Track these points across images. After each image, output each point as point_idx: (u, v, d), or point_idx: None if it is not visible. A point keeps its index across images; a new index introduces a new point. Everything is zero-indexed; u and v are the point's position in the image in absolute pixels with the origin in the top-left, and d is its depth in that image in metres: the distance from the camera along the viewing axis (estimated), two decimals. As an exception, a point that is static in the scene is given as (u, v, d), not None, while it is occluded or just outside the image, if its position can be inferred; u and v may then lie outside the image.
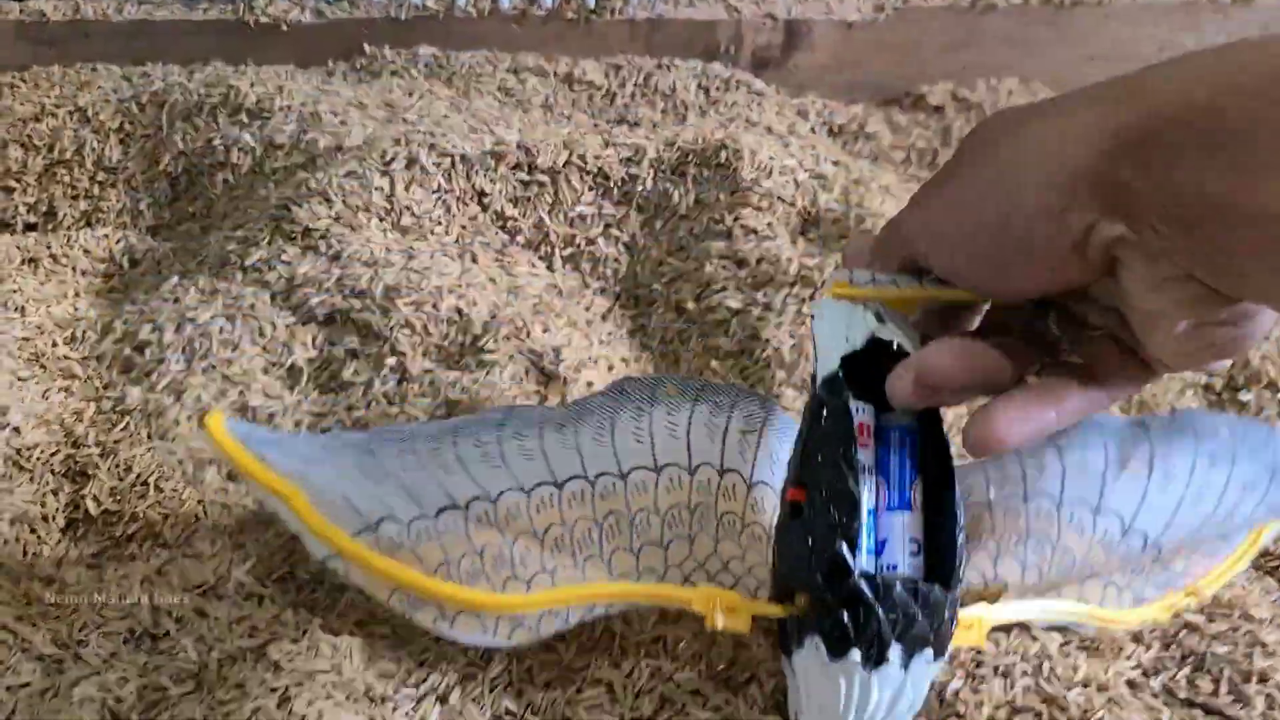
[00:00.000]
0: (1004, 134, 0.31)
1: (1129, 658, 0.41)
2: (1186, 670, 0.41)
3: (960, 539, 0.35)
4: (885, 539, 0.36)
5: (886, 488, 0.36)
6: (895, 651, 0.34)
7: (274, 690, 0.37)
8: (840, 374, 0.36)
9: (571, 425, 0.43)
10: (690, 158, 0.62)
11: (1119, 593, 0.43)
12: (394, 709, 0.38)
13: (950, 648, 0.35)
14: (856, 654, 0.34)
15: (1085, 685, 0.39)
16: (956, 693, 0.39)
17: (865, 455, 0.36)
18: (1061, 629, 0.42)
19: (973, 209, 0.31)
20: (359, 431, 0.45)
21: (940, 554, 0.35)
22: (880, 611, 0.33)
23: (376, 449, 0.42)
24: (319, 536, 0.39)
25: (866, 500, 0.35)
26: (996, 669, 0.39)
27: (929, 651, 0.34)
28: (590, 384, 0.52)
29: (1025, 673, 0.39)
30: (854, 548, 0.34)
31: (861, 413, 0.37)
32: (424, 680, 0.39)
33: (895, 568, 0.35)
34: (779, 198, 0.60)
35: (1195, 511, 0.43)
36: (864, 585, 0.33)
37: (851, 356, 0.36)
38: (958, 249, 0.32)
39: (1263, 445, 0.46)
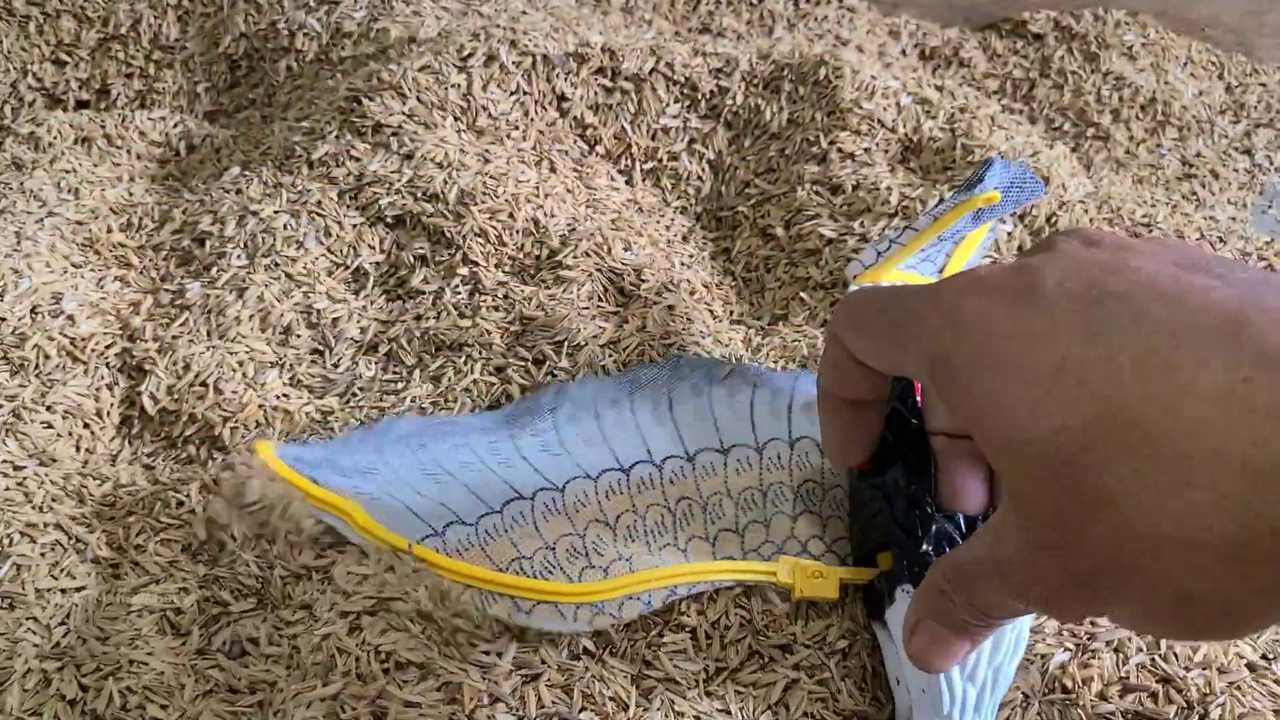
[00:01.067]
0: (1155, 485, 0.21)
1: (1247, 639, 0.38)
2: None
3: None
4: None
5: None
6: None
7: (345, 615, 0.35)
8: None
9: (626, 400, 0.43)
10: (786, 73, 0.58)
11: None
12: (469, 646, 0.36)
13: None
14: None
15: (1204, 667, 0.36)
16: (1063, 666, 0.36)
17: None
18: None
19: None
20: (409, 421, 0.44)
21: None
22: None
23: (430, 443, 0.42)
24: (384, 545, 0.37)
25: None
26: (1109, 643, 0.37)
27: None
28: (671, 308, 0.49)
29: (1140, 649, 0.37)
30: (929, 489, 0.34)
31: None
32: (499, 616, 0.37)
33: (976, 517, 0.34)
34: (879, 122, 0.56)
35: None
36: (946, 523, 0.33)
37: None
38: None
39: None
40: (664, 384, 0.43)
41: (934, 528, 0.34)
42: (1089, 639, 0.37)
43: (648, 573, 0.37)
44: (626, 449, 0.41)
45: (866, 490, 0.37)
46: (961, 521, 0.34)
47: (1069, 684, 0.36)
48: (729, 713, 0.35)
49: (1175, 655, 0.37)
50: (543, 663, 0.36)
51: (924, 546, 0.34)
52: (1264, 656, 0.38)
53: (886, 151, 0.56)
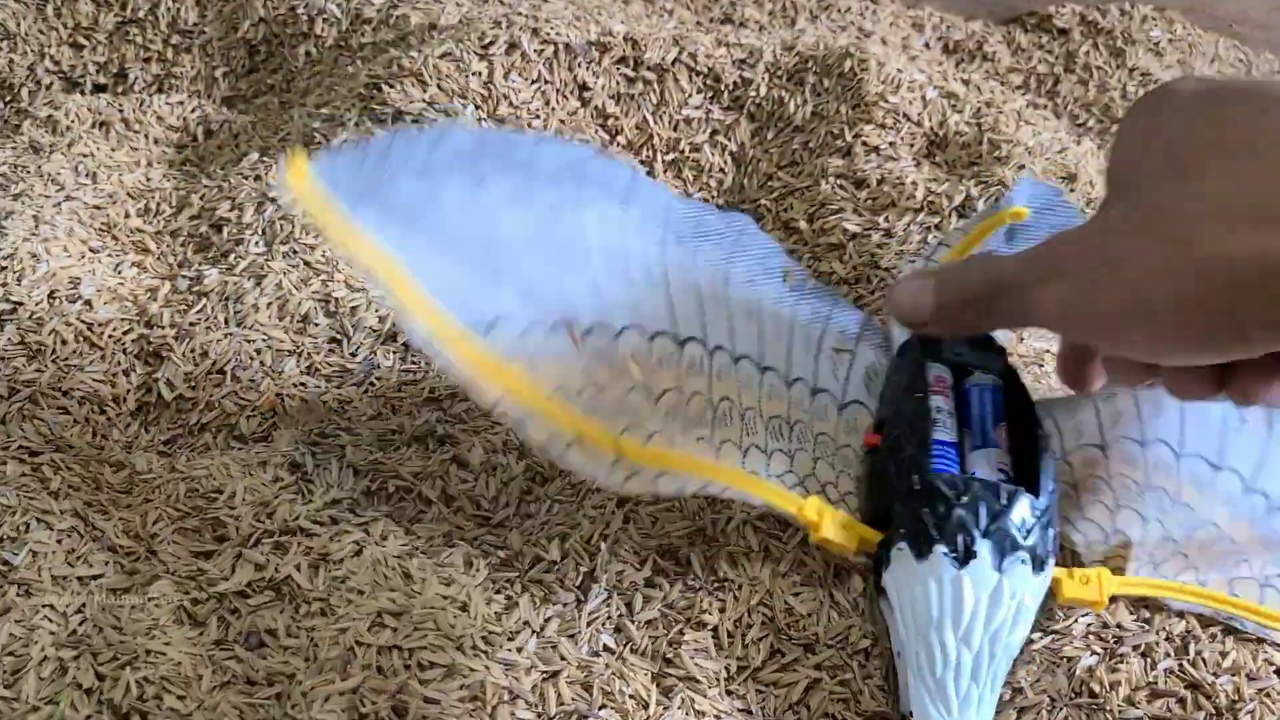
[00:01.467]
0: (1173, 177, 0.27)
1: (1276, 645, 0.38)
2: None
3: (1044, 453, 0.36)
4: (974, 471, 0.36)
5: (971, 433, 0.37)
6: (984, 548, 0.33)
7: (367, 614, 0.34)
8: (914, 339, 0.40)
9: (691, 242, 0.41)
10: (810, 65, 0.58)
11: None
12: (489, 643, 0.35)
13: (1051, 566, 0.34)
14: (942, 549, 0.33)
15: (1233, 673, 0.36)
16: (1090, 670, 0.36)
17: (945, 402, 0.38)
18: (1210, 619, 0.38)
19: (1150, 281, 0.26)
20: (468, 133, 0.39)
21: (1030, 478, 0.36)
22: (961, 506, 0.33)
23: (489, 175, 0.37)
24: (423, 318, 0.32)
25: (942, 423, 0.37)
26: (1137, 647, 0.36)
27: (1023, 555, 0.33)
28: (693, 301, 0.49)
29: (1168, 654, 0.36)
30: (926, 452, 0.35)
31: (937, 369, 0.39)
32: (519, 613, 0.36)
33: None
34: (905, 115, 0.55)
35: None
36: (940, 483, 0.34)
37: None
38: (1134, 329, 0.28)
39: None
40: (725, 254, 0.41)
41: (926, 479, 0.34)
42: (1116, 643, 0.36)
43: (686, 457, 0.35)
44: (685, 309, 0.38)
45: (875, 464, 0.38)
46: (959, 481, 0.34)
47: (1096, 688, 0.35)
48: (750, 712, 0.35)
49: (1204, 661, 0.36)
50: (563, 659, 0.35)
51: (920, 509, 0.34)
52: (1294, 663, 0.37)
53: (912, 145, 0.56)
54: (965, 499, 0.34)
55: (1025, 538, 0.33)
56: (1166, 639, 0.37)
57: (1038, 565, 0.34)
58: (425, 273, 0.32)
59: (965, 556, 0.33)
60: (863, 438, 0.39)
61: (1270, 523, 0.40)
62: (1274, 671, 0.37)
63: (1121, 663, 0.36)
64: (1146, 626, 0.37)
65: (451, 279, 0.33)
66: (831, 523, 0.35)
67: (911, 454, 0.35)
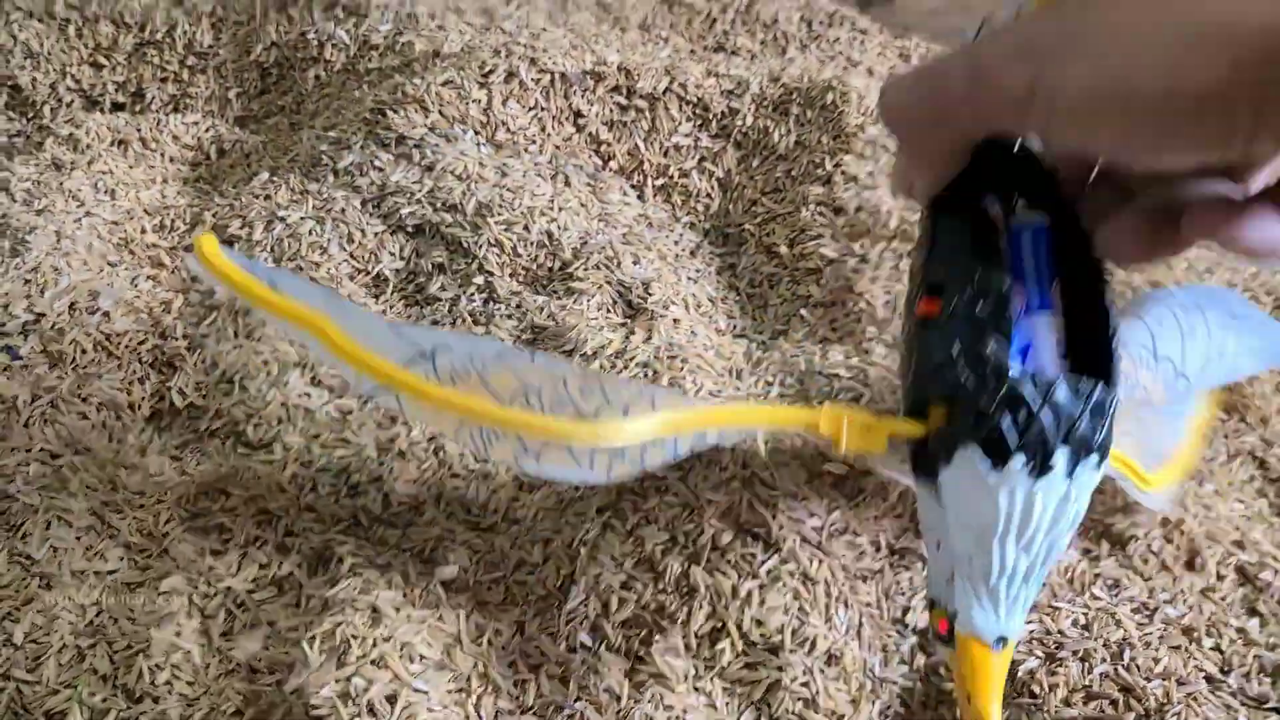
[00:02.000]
0: None
1: (1211, 648, 0.41)
2: (1265, 670, 0.41)
3: (1115, 334, 0.31)
4: (1030, 343, 0.33)
5: (1025, 290, 0.33)
6: (1061, 457, 0.30)
7: (362, 610, 0.37)
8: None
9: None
10: (795, 96, 0.61)
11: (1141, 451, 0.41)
12: (471, 639, 0.38)
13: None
14: (1019, 461, 0.30)
15: (1164, 678, 0.39)
16: (1031, 672, 0.39)
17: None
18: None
19: (1135, 52, 0.23)
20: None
21: (1087, 352, 0.32)
22: (1044, 414, 0.30)
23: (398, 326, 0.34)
24: (361, 368, 0.31)
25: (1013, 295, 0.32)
26: (1076, 653, 0.39)
27: (1094, 458, 0.30)
28: (677, 321, 0.52)
29: (1104, 659, 0.39)
30: (1007, 343, 0.30)
31: (993, 205, 0.33)
32: (501, 612, 0.39)
33: (1044, 371, 0.32)
34: (883, 146, 0.58)
35: (1220, 365, 0.45)
36: (1027, 386, 0.30)
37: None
38: (1110, 111, 0.24)
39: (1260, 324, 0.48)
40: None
41: (1009, 382, 0.30)
42: (1057, 649, 0.39)
43: (674, 415, 0.31)
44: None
45: (931, 339, 0.32)
46: (1043, 383, 0.30)
47: (1036, 690, 0.38)
48: (715, 707, 0.38)
49: (1138, 667, 0.39)
50: (542, 654, 0.38)
51: (999, 414, 0.30)
52: (1222, 670, 0.40)
53: (889, 175, 0.58)
54: (1049, 405, 0.30)
55: (1097, 436, 0.30)
56: (1104, 645, 0.39)
57: (1103, 459, 0.31)
58: (354, 329, 0.32)
59: (1042, 468, 0.30)
60: (916, 305, 0.34)
61: (1174, 384, 0.42)
62: (1203, 678, 0.39)
63: (1060, 666, 0.39)
64: (1086, 634, 0.40)
65: (379, 331, 0.32)
66: (853, 431, 0.33)
67: (990, 344, 0.30)
